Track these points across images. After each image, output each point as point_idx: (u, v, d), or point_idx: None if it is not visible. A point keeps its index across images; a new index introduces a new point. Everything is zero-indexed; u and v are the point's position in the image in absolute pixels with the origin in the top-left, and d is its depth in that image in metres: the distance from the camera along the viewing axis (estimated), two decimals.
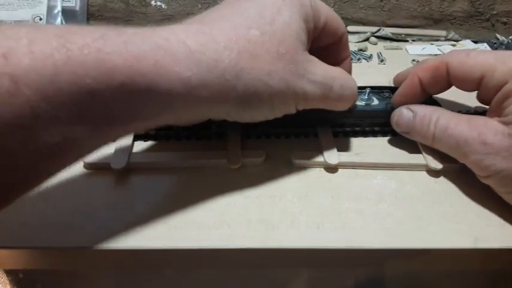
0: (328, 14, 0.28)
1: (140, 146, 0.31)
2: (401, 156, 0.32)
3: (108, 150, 0.31)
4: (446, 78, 0.30)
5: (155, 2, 0.51)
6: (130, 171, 0.30)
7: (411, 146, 0.32)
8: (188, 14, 0.52)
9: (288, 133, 0.33)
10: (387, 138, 0.34)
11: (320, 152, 0.31)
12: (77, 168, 0.29)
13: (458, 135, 0.27)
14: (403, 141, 0.32)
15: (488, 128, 0.26)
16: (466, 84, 0.29)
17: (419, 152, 0.32)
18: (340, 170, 0.31)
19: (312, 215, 0.27)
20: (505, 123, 0.26)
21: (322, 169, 0.31)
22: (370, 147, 0.33)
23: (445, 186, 0.30)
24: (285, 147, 0.32)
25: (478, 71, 0.28)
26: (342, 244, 0.25)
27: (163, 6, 0.51)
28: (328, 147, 0.31)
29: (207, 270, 0.33)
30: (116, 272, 0.35)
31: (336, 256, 0.26)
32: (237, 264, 0.27)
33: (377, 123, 0.33)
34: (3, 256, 0.25)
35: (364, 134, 0.34)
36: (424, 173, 0.31)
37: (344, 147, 0.31)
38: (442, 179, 0.30)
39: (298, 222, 0.27)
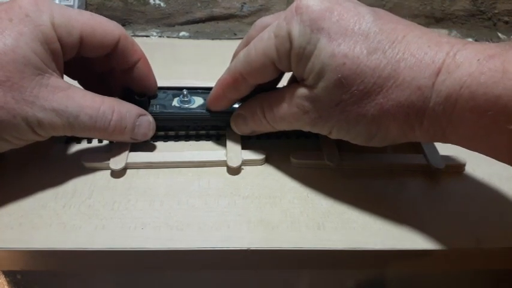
0: (88, 25, 0.26)
1: (139, 146, 0.30)
2: (402, 156, 0.31)
3: (107, 150, 0.30)
4: (248, 81, 0.28)
5: (154, 0, 0.51)
6: (130, 172, 0.29)
7: (412, 146, 0.32)
8: (187, 12, 0.51)
9: (288, 133, 0.33)
10: None
11: (320, 152, 0.31)
12: (76, 168, 0.29)
13: (285, 116, 0.27)
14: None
15: (301, 98, 0.26)
16: (265, 75, 0.27)
17: (420, 152, 0.31)
18: (340, 170, 0.30)
19: (313, 216, 0.27)
20: (307, 87, 0.25)
21: (322, 169, 0.30)
22: (370, 148, 0.32)
23: (447, 187, 0.30)
24: (286, 148, 0.31)
25: (267, 60, 0.26)
26: (343, 245, 0.25)
27: (162, 4, 0.51)
28: (329, 148, 0.31)
29: (207, 271, 0.33)
30: (115, 273, 0.35)
31: (337, 257, 0.26)
32: (237, 266, 0.26)
33: None
34: (1, 257, 0.25)
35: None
36: (425, 173, 0.31)
37: (345, 147, 0.31)
38: (443, 179, 0.30)
39: (299, 223, 0.26)
